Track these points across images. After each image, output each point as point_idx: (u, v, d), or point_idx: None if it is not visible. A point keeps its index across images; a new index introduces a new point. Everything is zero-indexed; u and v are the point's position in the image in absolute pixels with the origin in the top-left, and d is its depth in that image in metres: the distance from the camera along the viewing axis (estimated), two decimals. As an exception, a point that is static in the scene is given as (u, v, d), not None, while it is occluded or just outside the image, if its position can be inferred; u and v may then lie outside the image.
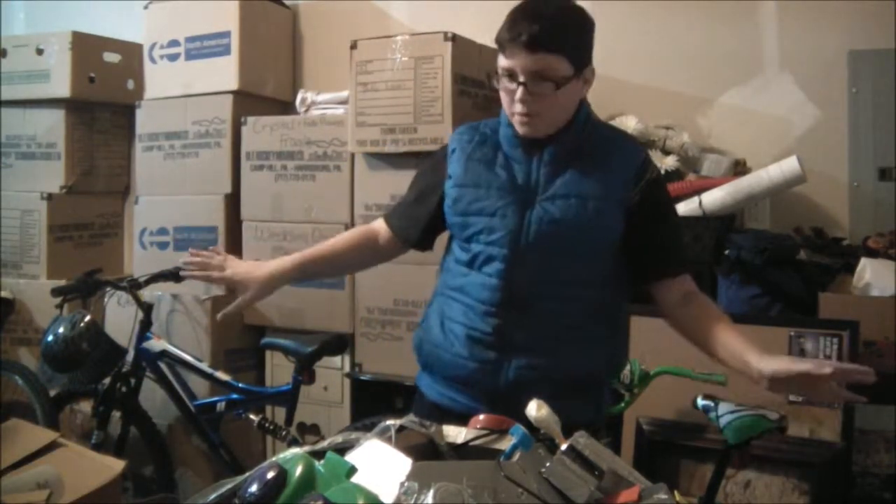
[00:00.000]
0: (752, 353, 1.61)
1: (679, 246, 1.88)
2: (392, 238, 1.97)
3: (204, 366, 2.99)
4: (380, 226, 2.00)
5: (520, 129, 1.72)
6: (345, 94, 3.18)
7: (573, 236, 1.71)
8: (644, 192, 1.73)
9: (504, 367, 1.71)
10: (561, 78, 1.64)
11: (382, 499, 0.98)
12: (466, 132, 1.86)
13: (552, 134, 1.73)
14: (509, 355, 1.71)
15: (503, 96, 1.72)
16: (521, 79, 1.65)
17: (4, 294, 3.64)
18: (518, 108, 1.68)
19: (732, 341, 1.67)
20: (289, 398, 2.79)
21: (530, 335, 1.71)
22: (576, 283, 1.73)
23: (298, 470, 0.99)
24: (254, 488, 0.98)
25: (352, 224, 3.13)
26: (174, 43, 3.57)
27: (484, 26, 3.35)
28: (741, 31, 3.06)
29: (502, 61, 1.68)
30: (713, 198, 2.74)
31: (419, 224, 1.91)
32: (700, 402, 2.14)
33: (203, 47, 3.50)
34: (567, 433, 1.32)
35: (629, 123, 2.95)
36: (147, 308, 3.05)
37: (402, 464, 1.03)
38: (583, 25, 1.72)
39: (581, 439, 1.13)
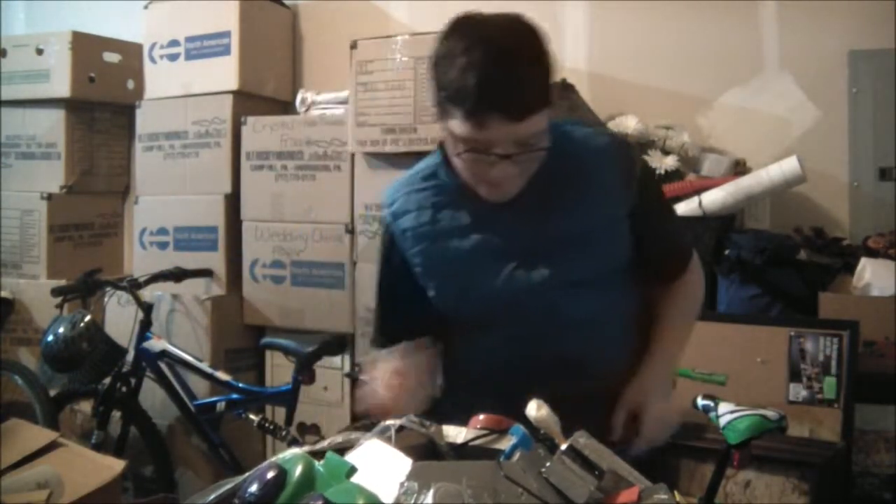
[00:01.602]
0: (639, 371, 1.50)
1: (680, 241, 1.64)
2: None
3: (204, 366, 3.00)
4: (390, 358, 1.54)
5: (489, 198, 1.41)
6: (345, 94, 3.18)
7: (591, 284, 1.46)
8: (639, 193, 1.49)
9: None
10: (545, 135, 1.35)
11: (382, 499, 0.97)
12: (411, 197, 1.53)
13: None
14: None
15: (460, 162, 1.39)
16: (502, 151, 1.32)
17: (4, 294, 3.64)
18: (494, 180, 1.37)
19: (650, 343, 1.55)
20: (289, 398, 2.79)
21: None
22: (606, 310, 1.50)
23: (298, 470, 0.99)
24: (253, 488, 0.98)
25: (352, 224, 3.13)
26: (174, 43, 3.57)
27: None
28: (741, 31, 3.06)
29: (466, 130, 1.32)
30: (713, 198, 2.74)
31: (409, 322, 1.56)
32: (700, 402, 2.13)
33: (203, 47, 3.50)
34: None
35: (629, 123, 2.95)
36: (147, 308, 3.05)
37: (402, 464, 1.03)
38: (543, 45, 1.35)
39: (581, 439, 1.13)
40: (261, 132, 3.35)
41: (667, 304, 1.59)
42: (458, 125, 1.33)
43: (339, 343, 2.89)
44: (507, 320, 1.47)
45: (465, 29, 1.35)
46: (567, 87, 2.86)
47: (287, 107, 3.62)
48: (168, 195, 3.54)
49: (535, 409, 1.19)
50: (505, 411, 1.25)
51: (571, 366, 1.45)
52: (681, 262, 1.61)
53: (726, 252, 2.67)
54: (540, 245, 1.45)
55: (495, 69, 1.28)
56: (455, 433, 1.20)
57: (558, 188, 1.44)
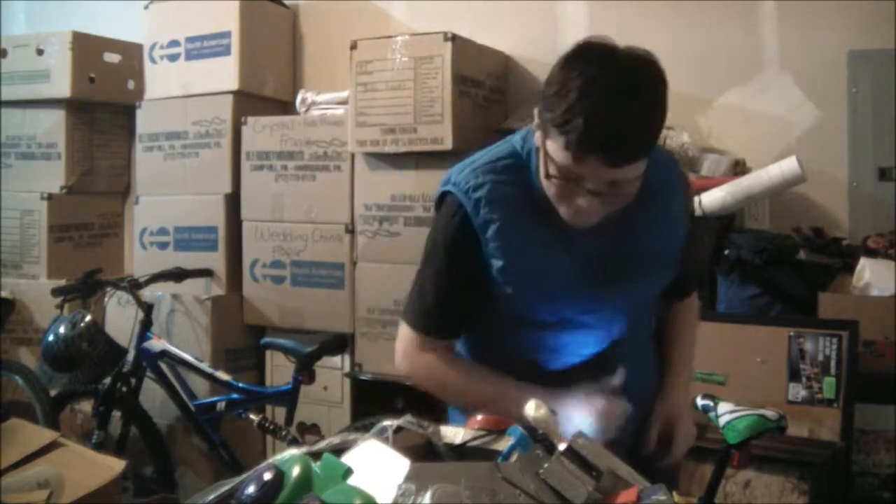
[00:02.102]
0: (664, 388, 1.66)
1: (704, 258, 1.85)
2: (443, 341, 1.56)
3: (204, 366, 3.00)
4: (424, 340, 1.55)
5: (568, 221, 1.40)
6: (345, 94, 3.19)
7: (658, 287, 1.58)
8: (689, 214, 1.62)
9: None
10: (640, 178, 1.34)
11: (379, 500, 0.97)
12: (490, 190, 1.44)
13: None
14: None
15: (547, 182, 1.37)
16: (593, 188, 1.31)
17: (4, 294, 3.64)
18: (580, 210, 1.35)
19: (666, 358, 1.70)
20: (289, 398, 2.79)
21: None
22: (643, 331, 1.65)
23: (295, 471, 0.99)
24: (251, 490, 0.98)
25: (352, 224, 3.13)
26: (174, 43, 3.57)
27: (484, 26, 3.37)
28: (741, 31, 3.06)
29: (563, 158, 1.30)
30: (713, 198, 2.74)
31: (462, 315, 1.54)
32: (700, 401, 2.13)
33: (203, 47, 3.50)
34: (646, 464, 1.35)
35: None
36: (147, 308, 3.05)
37: (400, 465, 1.03)
38: (663, 99, 1.32)
39: (579, 440, 1.13)
40: (261, 132, 3.35)
41: (680, 322, 1.72)
42: (556, 151, 1.32)
43: (339, 343, 2.89)
44: (573, 326, 1.50)
45: (589, 58, 1.31)
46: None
47: (287, 107, 3.62)
48: (168, 195, 3.54)
49: (533, 409, 1.19)
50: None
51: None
52: (699, 280, 1.78)
53: (726, 252, 2.67)
54: (617, 262, 1.47)
55: (607, 111, 1.25)
56: (453, 434, 1.20)
57: (638, 211, 1.42)
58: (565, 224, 1.41)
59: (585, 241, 1.44)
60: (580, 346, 1.53)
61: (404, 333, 1.57)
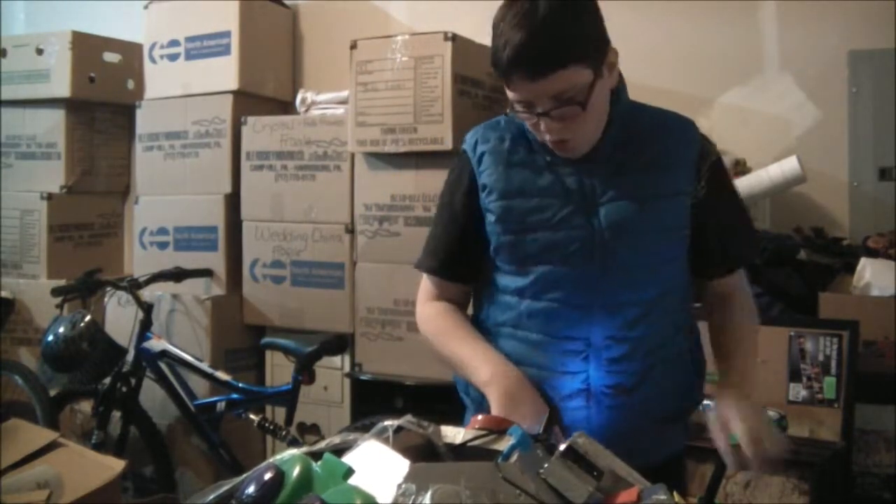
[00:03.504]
0: (722, 387, 1.52)
1: (744, 236, 1.64)
2: (450, 287, 1.64)
3: (204, 366, 3.00)
4: (434, 287, 1.65)
5: (558, 153, 1.48)
6: (345, 94, 3.18)
7: (648, 240, 1.49)
8: (709, 181, 1.53)
9: (593, 413, 1.50)
10: (583, 91, 1.39)
11: (380, 500, 0.97)
12: (489, 132, 1.57)
13: None
14: (593, 395, 1.50)
15: (527, 123, 1.48)
16: (540, 109, 1.40)
17: (4, 294, 3.64)
18: (548, 137, 1.44)
19: (721, 362, 1.57)
20: (289, 398, 2.79)
21: (615, 366, 1.50)
22: (659, 301, 1.52)
23: (296, 471, 0.99)
24: (251, 490, 0.98)
25: (352, 224, 3.13)
26: (174, 43, 3.57)
27: (484, 26, 3.36)
28: (741, 31, 3.06)
29: (509, 93, 1.43)
30: (713, 198, 2.73)
31: (461, 254, 1.61)
32: (700, 402, 2.13)
33: (203, 47, 3.50)
34: (660, 469, 1.32)
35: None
36: (147, 308, 3.05)
37: (400, 465, 1.02)
38: (583, 12, 1.43)
39: (580, 439, 1.13)
40: (261, 132, 3.35)
41: (730, 324, 1.59)
42: (506, 88, 1.43)
43: (339, 343, 2.88)
44: (557, 259, 1.49)
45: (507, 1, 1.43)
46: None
47: (287, 107, 3.62)
48: (168, 195, 3.54)
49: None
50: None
51: (612, 314, 1.48)
52: (741, 259, 1.63)
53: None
54: (604, 195, 1.48)
55: (521, 32, 1.35)
56: (453, 434, 1.20)
57: (632, 152, 1.50)
58: (559, 159, 1.49)
59: (576, 175, 1.49)
60: (565, 327, 1.50)
61: (421, 284, 1.67)
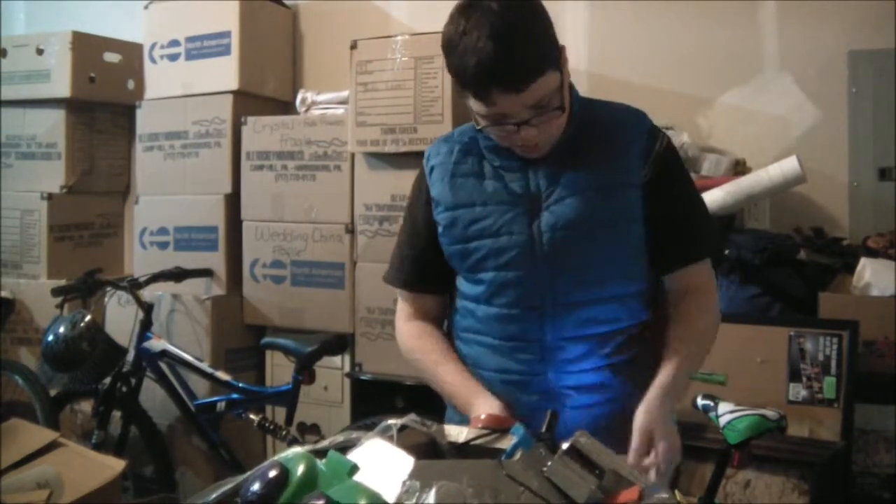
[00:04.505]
0: (649, 396, 1.45)
1: (698, 227, 1.59)
2: (421, 299, 1.67)
3: (204, 366, 3.00)
4: (403, 302, 1.70)
5: (525, 156, 1.50)
6: (345, 94, 3.19)
7: (596, 237, 1.48)
8: (655, 168, 1.51)
9: (555, 407, 1.44)
10: (557, 94, 1.41)
11: (384, 497, 0.98)
12: (442, 145, 1.62)
13: None
14: (555, 396, 1.50)
15: (492, 132, 1.48)
16: (519, 119, 1.40)
17: (4, 294, 3.63)
18: (521, 142, 1.45)
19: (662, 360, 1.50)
20: (289, 398, 2.78)
21: (573, 366, 1.50)
22: (613, 296, 1.51)
23: (300, 469, 0.99)
24: (256, 487, 0.98)
25: (352, 224, 3.13)
26: (174, 43, 3.57)
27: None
28: (741, 31, 3.06)
29: (480, 108, 1.41)
30: (713, 198, 2.74)
31: (426, 265, 1.63)
32: (700, 401, 2.13)
33: (203, 47, 3.50)
34: None
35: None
36: (147, 308, 3.05)
37: (404, 463, 1.03)
38: (538, 14, 1.42)
39: (582, 439, 1.13)
40: (261, 132, 3.35)
41: (680, 320, 1.54)
42: (473, 103, 1.42)
43: (339, 343, 2.88)
44: (501, 265, 1.50)
45: (464, 12, 1.40)
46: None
47: (287, 107, 3.62)
48: (168, 195, 3.54)
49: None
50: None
51: (564, 315, 1.49)
52: (695, 250, 1.57)
53: (726, 252, 2.67)
54: (550, 195, 1.49)
55: (490, 46, 1.34)
56: (457, 432, 1.20)
57: (583, 147, 1.51)
58: (508, 162, 1.51)
59: (524, 176, 1.51)
60: (518, 331, 1.51)
61: (398, 301, 1.72)
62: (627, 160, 1.51)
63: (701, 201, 1.65)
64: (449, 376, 1.56)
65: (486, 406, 1.45)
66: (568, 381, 1.51)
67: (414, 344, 1.64)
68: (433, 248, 1.59)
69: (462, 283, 1.59)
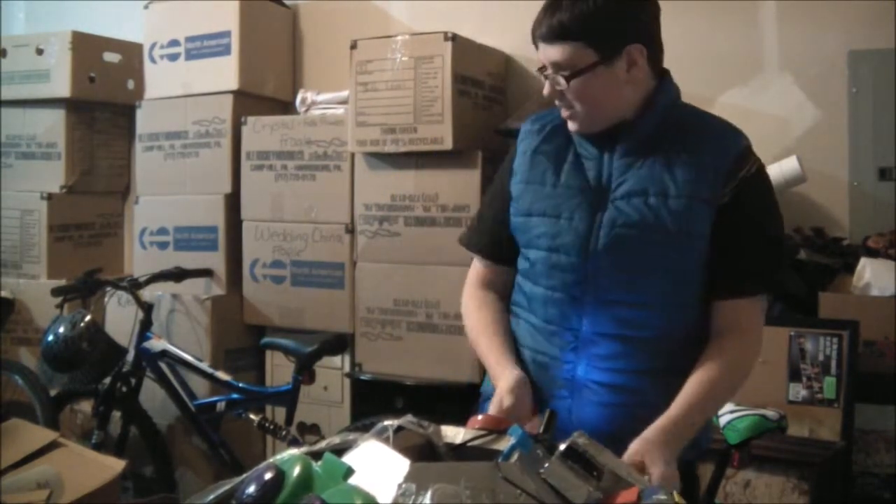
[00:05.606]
0: (652, 428, 1.41)
1: (767, 265, 1.54)
2: (490, 266, 1.70)
3: (204, 366, 3.00)
4: (475, 266, 1.72)
5: (569, 127, 1.56)
6: (345, 94, 3.18)
7: (654, 243, 1.47)
8: (737, 192, 1.47)
9: (574, 405, 1.51)
10: (575, 67, 1.46)
11: (380, 500, 0.97)
12: (538, 120, 1.64)
13: (628, 121, 1.52)
14: (580, 388, 1.51)
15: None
16: (546, 72, 1.51)
17: (4, 294, 3.63)
18: (556, 103, 1.55)
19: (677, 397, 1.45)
20: (289, 398, 2.78)
21: (605, 363, 1.50)
22: (659, 304, 1.49)
23: (296, 471, 0.99)
24: (251, 490, 0.98)
25: (352, 224, 3.13)
26: (174, 43, 3.56)
27: (484, 26, 3.37)
28: (741, 31, 3.06)
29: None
30: (713, 198, 2.73)
31: (499, 233, 1.65)
32: (700, 402, 2.13)
33: (203, 47, 3.50)
34: None
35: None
36: (147, 308, 3.05)
37: (400, 465, 1.02)
38: (610, 4, 1.46)
39: (580, 439, 1.13)
40: (261, 132, 3.35)
41: (715, 360, 1.47)
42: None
43: (339, 343, 2.88)
44: (554, 247, 1.53)
45: None
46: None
47: (287, 107, 3.62)
48: (168, 195, 3.54)
49: None
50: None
51: (603, 311, 1.50)
52: (747, 285, 1.51)
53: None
54: (618, 188, 1.51)
55: (559, 2, 1.47)
56: (453, 434, 1.20)
57: (659, 154, 1.50)
58: (583, 156, 1.55)
59: (597, 171, 1.53)
60: (558, 315, 1.53)
61: (471, 266, 1.75)
62: (708, 175, 1.47)
63: (776, 239, 1.60)
64: (486, 349, 1.60)
65: (504, 382, 1.48)
66: (595, 377, 1.51)
67: (471, 313, 1.68)
68: (506, 216, 1.63)
69: (520, 259, 1.62)
